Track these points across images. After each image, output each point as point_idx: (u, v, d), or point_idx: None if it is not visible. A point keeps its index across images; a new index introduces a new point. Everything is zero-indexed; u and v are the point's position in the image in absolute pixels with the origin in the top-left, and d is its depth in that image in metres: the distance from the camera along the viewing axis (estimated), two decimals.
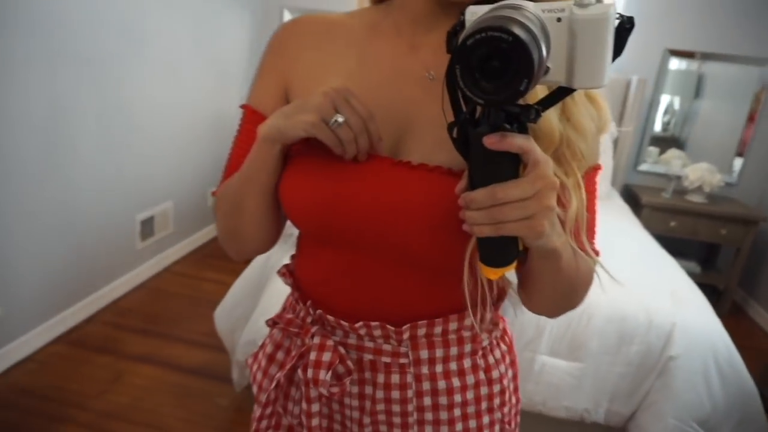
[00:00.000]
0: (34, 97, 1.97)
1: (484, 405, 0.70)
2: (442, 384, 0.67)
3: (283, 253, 1.65)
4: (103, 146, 2.39)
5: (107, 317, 2.47)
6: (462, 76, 0.40)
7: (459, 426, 0.68)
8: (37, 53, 1.95)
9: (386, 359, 0.67)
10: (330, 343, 0.66)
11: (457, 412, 0.68)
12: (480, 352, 0.70)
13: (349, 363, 0.66)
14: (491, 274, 0.52)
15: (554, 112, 0.55)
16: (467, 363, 0.69)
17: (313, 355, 0.65)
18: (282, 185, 0.64)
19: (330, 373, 0.65)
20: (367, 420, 0.69)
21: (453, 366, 0.68)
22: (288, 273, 0.75)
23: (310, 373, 0.65)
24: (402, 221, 0.58)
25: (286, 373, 0.70)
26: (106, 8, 2.25)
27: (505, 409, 0.73)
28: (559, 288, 0.60)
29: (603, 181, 3.13)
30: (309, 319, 0.69)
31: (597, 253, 0.66)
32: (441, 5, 0.61)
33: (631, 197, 3.41)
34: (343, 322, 0.66)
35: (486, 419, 0.70)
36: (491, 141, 0.45)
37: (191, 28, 2.91)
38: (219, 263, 3.15)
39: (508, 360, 0.74)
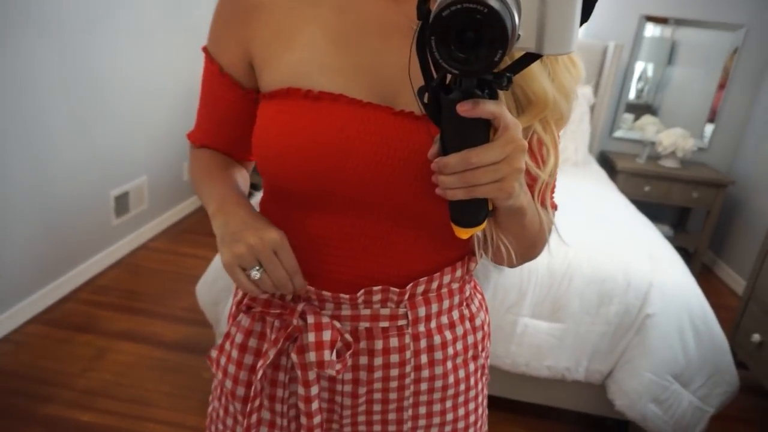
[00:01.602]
0: None
1: (470, 353, 0.71)
2: (437, 339, 0.68)
3: None
4: (73, 120, 2.31)
5: (85, 295, 2.42)
6: (437, 47, 0.40)
7: (451, 378, 0.69)
8: None
9: (384, 324, 0.65)
10: (326, 320, 0.62)
11: (449, 364, 0.69)
12: (464, 303, 0.71)
13: (347, 336, 0.64)
14: (462, 233, 0.54)
15: (546, 77, 0.55)
16: (455, 314, 0.70)
17: (311, 336, 0.61)
18: (269, 133, 0.59)
19: (334, 352, 0.62)
20: (362, 390, 0.67)
21: (444, 319, 0.69)
22: None
23: (312, 356, 0.61)
24: (408, 176, 0.58)
25: (272, 360, 0.66)
26: None
27: (484, 354, 0.75)
28: (521, 242, 0.62)
29: (581, 148, 3.16)
30: (289, 297, 0.66)
31: (555, 207, 0.68)
32: None
33: (607, 163, 3.46)
34: (343, 296, 0.63)
35: (471, 366, 0.72)
36: (464, 108, 0.45)
37: None
38: (196, 238, 3.11)
39: (484, 306, 0.77)
